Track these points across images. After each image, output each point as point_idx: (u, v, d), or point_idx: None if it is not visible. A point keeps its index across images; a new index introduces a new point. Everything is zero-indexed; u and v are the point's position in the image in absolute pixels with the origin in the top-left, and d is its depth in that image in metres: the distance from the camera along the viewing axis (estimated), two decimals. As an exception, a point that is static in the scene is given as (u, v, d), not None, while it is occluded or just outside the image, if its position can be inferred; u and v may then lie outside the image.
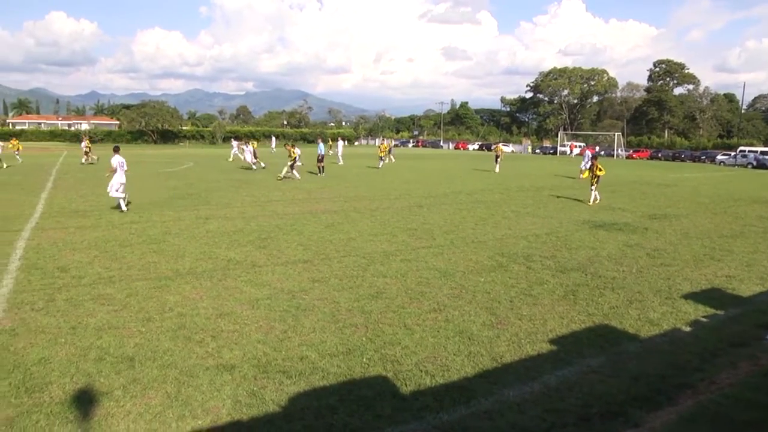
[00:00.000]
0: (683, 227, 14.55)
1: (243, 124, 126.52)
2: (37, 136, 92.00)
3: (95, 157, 37.02)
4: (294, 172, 26.31)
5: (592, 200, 18.90)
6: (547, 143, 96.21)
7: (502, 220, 15.10)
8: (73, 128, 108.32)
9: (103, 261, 9.70)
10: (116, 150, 15.82)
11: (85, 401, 4.81)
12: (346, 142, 46.03)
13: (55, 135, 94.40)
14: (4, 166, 31.69)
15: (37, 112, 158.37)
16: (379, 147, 41.29)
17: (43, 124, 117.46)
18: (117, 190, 15.25)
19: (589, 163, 26.13)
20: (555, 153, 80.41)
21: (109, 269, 9.14)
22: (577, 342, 6.43)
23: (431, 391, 5.17)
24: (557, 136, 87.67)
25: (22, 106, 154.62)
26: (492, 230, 13.48)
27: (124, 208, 15.20)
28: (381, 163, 36.65)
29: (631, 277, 9.38)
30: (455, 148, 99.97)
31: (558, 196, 21.49)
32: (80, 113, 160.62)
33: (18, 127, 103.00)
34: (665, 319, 7.26)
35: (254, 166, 32.73)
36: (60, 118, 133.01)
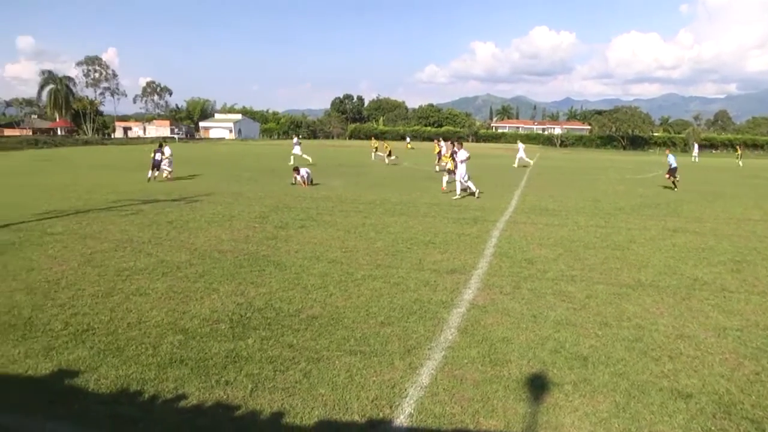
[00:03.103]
0: None
1: (720, 131, 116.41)
2: (513, 138, 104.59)
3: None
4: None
5: None
6: None
7: None
8: (546, 132, 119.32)
9: (567, 259, 10.38)
10: None
11: (536, 386, 5.29)
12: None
13: (530, 138, 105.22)
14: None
15: (516, 117, 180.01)
16: None
17: (520, 128, 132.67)
18: None
19: None
20: None
21: (571, 268, 9.74)
22: None
23: None
24: None
25: (504, 112, 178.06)
26: None
27: None
28: None
29: None
30: None
31: None
32: (554, 119, 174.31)
33: (499, 131, 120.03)
34: None
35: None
36: (535, 123, 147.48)
